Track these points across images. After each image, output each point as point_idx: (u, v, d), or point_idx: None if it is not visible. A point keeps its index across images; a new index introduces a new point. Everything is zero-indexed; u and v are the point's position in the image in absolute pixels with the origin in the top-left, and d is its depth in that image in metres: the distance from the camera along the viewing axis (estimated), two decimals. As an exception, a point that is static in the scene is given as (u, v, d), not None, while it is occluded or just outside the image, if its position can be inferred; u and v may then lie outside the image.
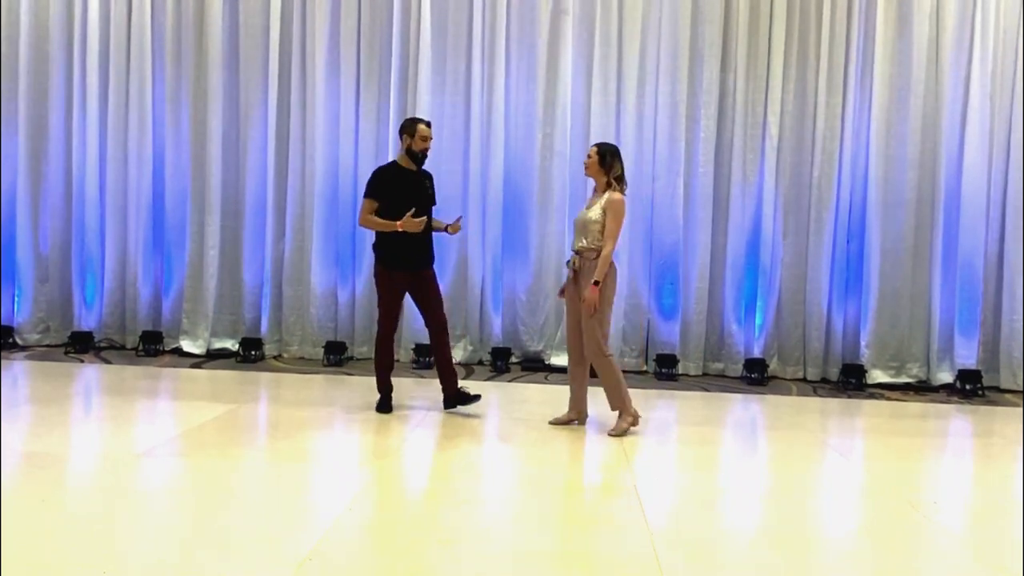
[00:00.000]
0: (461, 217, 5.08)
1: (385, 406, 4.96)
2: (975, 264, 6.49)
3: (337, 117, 6.75)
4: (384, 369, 4.97)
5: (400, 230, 4.67)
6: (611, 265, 4.59)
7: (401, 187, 4.76)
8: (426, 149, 4.83)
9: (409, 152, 4.80)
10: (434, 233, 4.96)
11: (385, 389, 4.99)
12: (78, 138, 6.85)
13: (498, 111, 6.67)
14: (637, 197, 6.67)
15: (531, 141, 6.71)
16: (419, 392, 5.58)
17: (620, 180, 4.62)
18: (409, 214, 4.66)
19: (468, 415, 4.99)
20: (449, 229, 5.00)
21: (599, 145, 4.74)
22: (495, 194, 6.70)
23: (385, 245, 4.82)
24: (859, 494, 4.00)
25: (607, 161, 4.60)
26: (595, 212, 4.58)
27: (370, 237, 6.64)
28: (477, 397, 4.99)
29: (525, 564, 2.88)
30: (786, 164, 6.62)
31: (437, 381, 5.02)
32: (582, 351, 4.68)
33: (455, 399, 4.96)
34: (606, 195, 4.58)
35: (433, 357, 5.08)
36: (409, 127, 4.83)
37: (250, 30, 6.74)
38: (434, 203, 4.96)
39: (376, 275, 4.92)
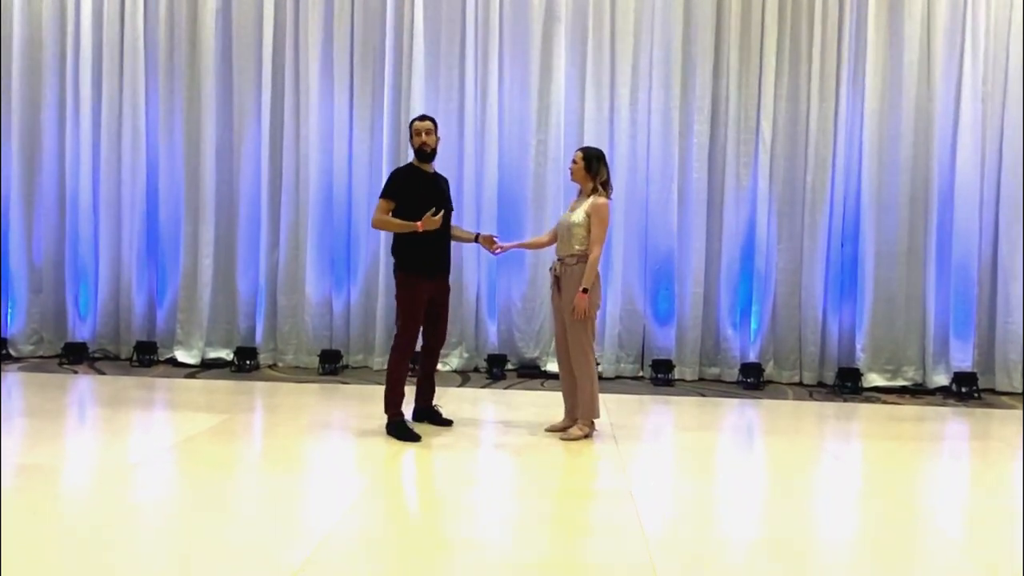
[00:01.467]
0: (496, 239, 4.90)
1: (413, 433, 4.56)
2: (969, 266, 6.51)
3: (331, 126, 6.75)
4: (403, 391, 4.61)
5: (421, 230, 4.41)
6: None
7: (416, 188, 4.56)
8: (424, 143, 4.55)
9: (414, 151, 4.64)
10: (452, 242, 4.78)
11: (400, 412, 4.62)
12: (71, 149, 6.84)
13: (492, 119, 6.67)
14: (631, 203, 6.69)
15: (525, 148, 6.72)
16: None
17: (606, 185, 4.58)
18: (428, 213, 4.44)
19: (465, 423, 4.97)
20: (481, 240, 4.82)
21: (584, 150, 4.67)
22: (489, 201, 6.70)
23: (408, 249, 4.55)
24: (856, 499, 3.99)
25: (593, 166, 4.55)
26: (578, 216, 4.53)
27: (375, 243, 6.74)
28: (449, 423, 4.84)
29: (521, 572, 2.86)
30: (779, 169, 6.64)
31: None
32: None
33: (426, 413, 4.83)
34: (590, 199, 4.54)
35: (418, 367, 4.88)
36: (409, 128, 4.71)
37: (243, 39, 6.74)
38: (451, 207, 4.75)
39: (399, 282, 4.59)
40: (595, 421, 4.69)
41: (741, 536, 3.36)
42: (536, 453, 4.40)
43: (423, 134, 4.59)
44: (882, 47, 6.54)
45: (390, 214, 4.55)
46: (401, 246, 4.61)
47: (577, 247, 4.52)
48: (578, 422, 4.66)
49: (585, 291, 4.44)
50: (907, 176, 6.54)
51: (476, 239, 4.91)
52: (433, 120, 4.69)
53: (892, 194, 6.56)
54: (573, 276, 4.52)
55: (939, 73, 6.50)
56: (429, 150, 4.61)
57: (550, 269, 4.78)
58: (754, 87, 6.60)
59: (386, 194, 4.57)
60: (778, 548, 3.21)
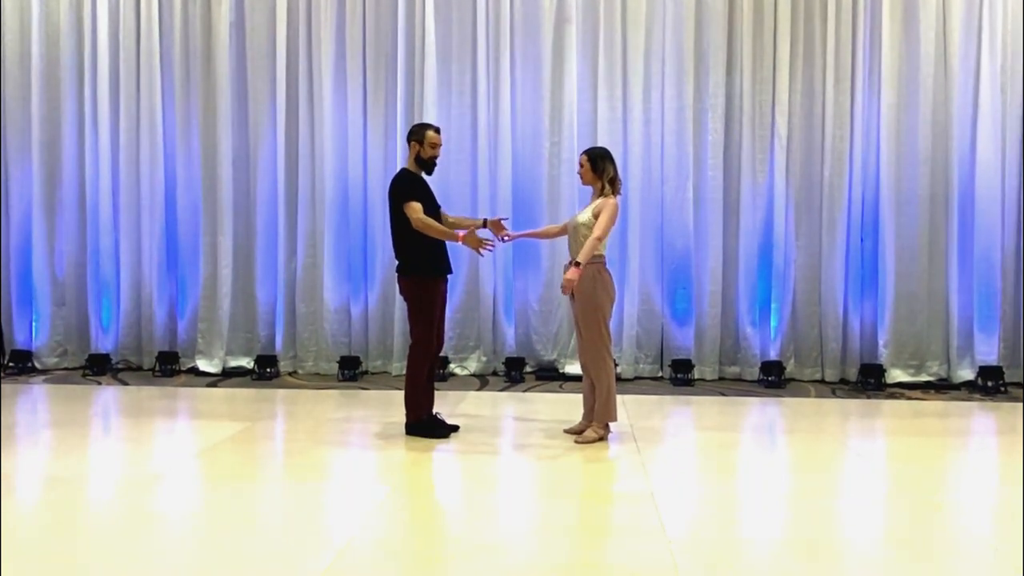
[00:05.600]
0: (504, 222, 4.86)
1: (443, 429, 4.69)
2: (992, 258, 6.42)
3: (345, 133, 6.79)
4: (427, 393, 4.68)
5: (461, 243, 4.49)
6: (606, 271, 4.56)
7: (425, 193, 4.63)
8: (435, 156, 4.65)
9: (419, 159, 4.63)
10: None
11: (424, 412, 4.69)
12: (91, 164, 6.92)
13: (505, 122, 6.67)
14: (647, 203, 6.67)
15: (539, 150, 6.71)
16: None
17: (614, 183, 4.59)
18: (474, 230, 4.54)
19: (485, 427, 4.97)
20: (489, 225, 4.77)
21: (588, 151, 4.70)
22: (504, 204, 6.69)
23: (423, 251, 4.56)
24: (881, 497, 3.94)
25: (599, 166, 4.57)
26: (584, 216, 4.56)
27: (391, 249, 6.71)
28: (455, 428, 4.76)
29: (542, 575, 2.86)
30: (796, 164, 6.59)
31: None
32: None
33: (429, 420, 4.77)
34: (599, 200, 4.56)
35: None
36: (418, 133, 4.65)
37: (257, 50, 6.79)
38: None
39: (416, 285, 4.58)
40: (611, 424, 4.67)
41: (765, 537, 3.33)
42: (556, 456, 4.39)
43: (438, 147, 4.67)
44: (897, 38, 6.46)
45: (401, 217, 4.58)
46: (415, 249, 4.60)
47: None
48: (593, 424, 4.65)
49: (578, 264, 4.37)
50: (926, 168, 6.46)
51: (484, 224, 4.86)
52: None
53: (911, 187, 6.48)
54: (583, 278, 4.51)
55: (956, 64, 6.41)
56: (436, 163, 4.72)
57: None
58: (768, 83, 6.55)
59: (413, 197, 4.55)
60: (803, 548, 3.18)
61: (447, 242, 4.68)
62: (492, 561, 2.99)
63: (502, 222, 4.92)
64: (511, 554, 3.08)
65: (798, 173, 6.59)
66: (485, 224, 4.90)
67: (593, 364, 4.60)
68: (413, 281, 4.61)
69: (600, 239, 4.46)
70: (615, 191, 4.59)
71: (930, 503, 3.72)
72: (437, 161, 4.70)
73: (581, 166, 4.65)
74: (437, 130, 4.70)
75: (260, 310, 6.89)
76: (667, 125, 6.63)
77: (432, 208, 4.64)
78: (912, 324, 6.50)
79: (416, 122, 6.58)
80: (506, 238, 4.93)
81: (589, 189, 4.78)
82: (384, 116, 6.79)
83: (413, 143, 4.66)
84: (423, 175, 4.70)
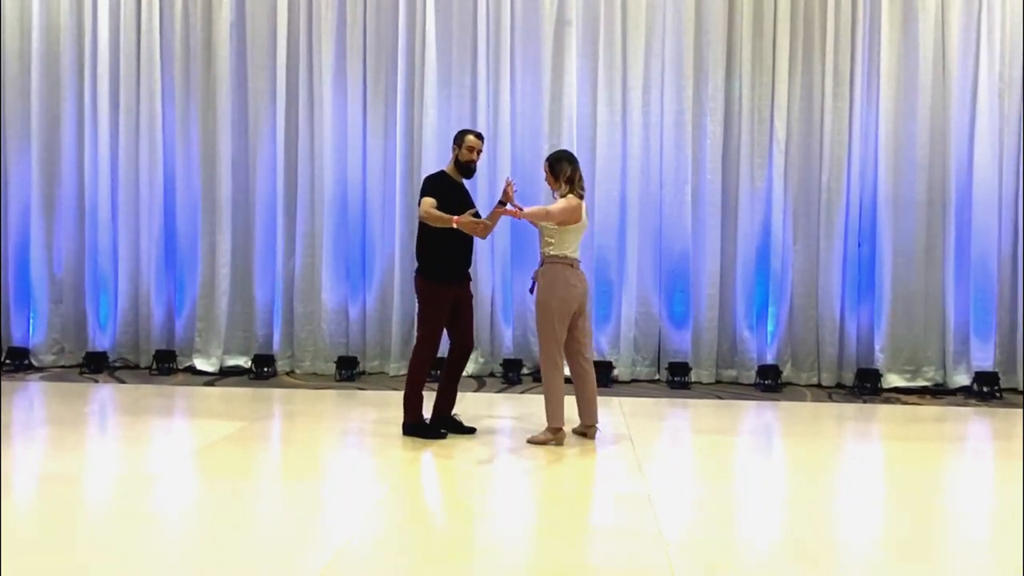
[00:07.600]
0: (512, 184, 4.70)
1: (436, 432, 4.70)
2: (989, 264, 6.44)
3: (345, 134, 6.79)
4: (421, 395, 4.69)
5: (455, 226, 4.38)
6: (571, 272, 4.55)
7: (453, 195, 4.60)
8: (472, 161, 4.64)
9: (456, 163, 4.66)
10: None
11: (421, 414, 4.73)
12: (90, 161, 6.92)
13: (504, 124, 6.69)
14: (645, 205, 6.68)
15: (537, 152, 6.71)
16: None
17: (572, 182, 4.52)
18: (469, 213, 4.46)
19: (482, 428, 4.97)
20: (505, 199, 4.59)
21: (548, 157, 4.68)
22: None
23: (433, 255, 4.60)
24: (878, 501, 3.95)
25: (556, 168, 4.56)
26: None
27: (390, 250, 6.79)
28: (472, 430, 4.81)
29: (539, 577, 2.86)
30: (794, 169, 6.61)
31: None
32: (578, 360, 4.66)
33: (446, 422, 4.78)
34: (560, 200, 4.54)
35: (441, 372, 4.83)
36: (458, 138, 4.68)
37: (257, 50, 6.80)
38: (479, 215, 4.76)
39: (421, 290, 4.66)
40: (605, 427, 4.66)
41: (762, 540, 3.34)
42: (553, 458, 4.39)
43: (476, 152, 4.67)
44: (896, 43, 6.49)
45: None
46: (429, 253, 4.64)
47: (544, 250, 4.57)
48: (547, 428, 4.60)
49: (520, 209, 4.43)
50: (924, 174, 6.49)
51: (503, 203, 4.64)
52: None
53: (909, 192, 6.50)
54: (544, 277, 4.56)
55: (955, 69, 6.44)
56: (474, 167, 4.71)
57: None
58: (767, 87, 6.57)
59: (428, 193, 4.56)
60: (799, 552, 3.19)
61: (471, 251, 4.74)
62: (490, 562, 3.00)
63: (510, 188, 4.65)
64: (508, 555, 3.08)
65: (796, 177, 6.61)
66: (504, 203, 4.68)
67: (543, 366, 4.58)
68: (421, 283, 4.68)
69: (547, 211, 4.46)
70: (575, 191, 4.52)
71: (927, 506, 3.73)
72: (474, 165, 4.70)
73: (545, 173, 4.64)
74: (478, 135, 4.71)
75: (258, 309, 6.89)
76: (666, 128, 6.64)
77: (459, 210, 4.53)
78: (909, 329, 6.52)
79: (414, 126, 6.71)
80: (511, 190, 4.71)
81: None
82: (384, 117, 6.80)
83: (454, 147, 4.71)
84: (463, 180, 4.72)
